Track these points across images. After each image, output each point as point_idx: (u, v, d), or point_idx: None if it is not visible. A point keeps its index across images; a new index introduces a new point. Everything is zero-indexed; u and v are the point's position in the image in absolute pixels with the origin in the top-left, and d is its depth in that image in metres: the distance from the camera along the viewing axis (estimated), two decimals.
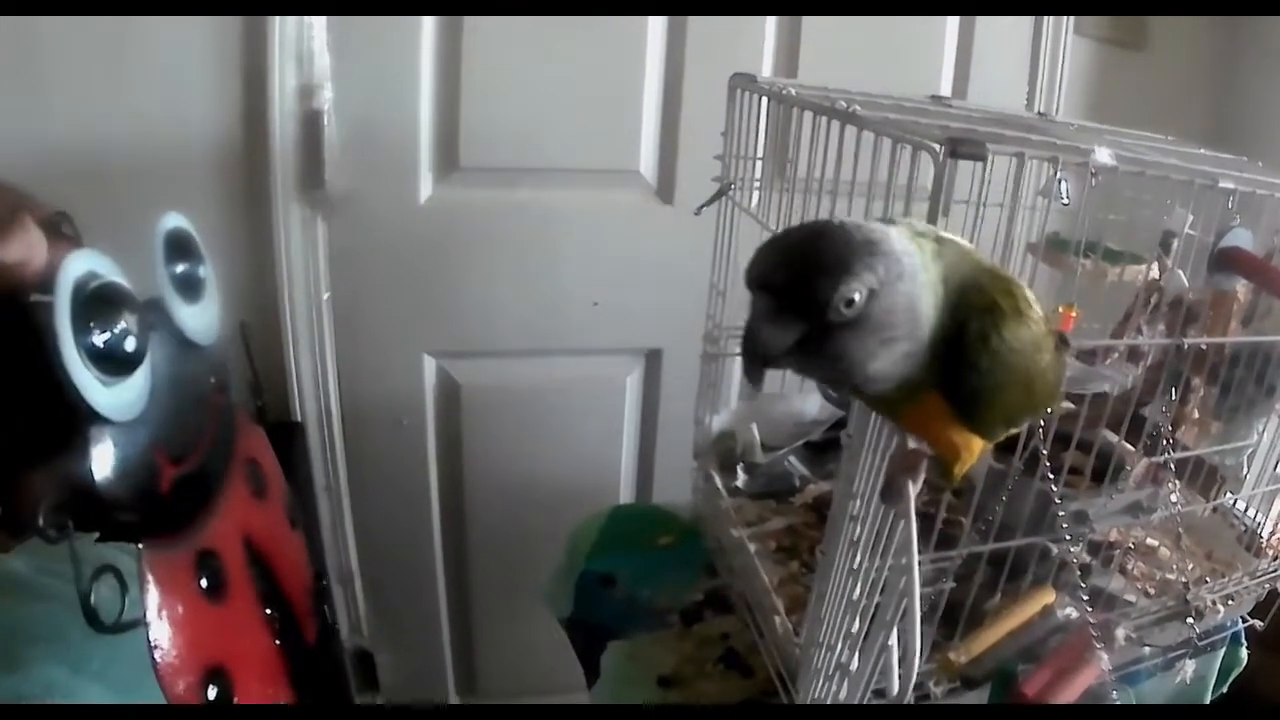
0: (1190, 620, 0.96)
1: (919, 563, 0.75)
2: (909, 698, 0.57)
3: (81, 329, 0.69)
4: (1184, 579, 0.99)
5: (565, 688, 1.21)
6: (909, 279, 0.58)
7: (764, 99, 1.05)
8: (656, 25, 1.54)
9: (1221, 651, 1.10)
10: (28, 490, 0.71)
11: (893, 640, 0.59)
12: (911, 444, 0.68)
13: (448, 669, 1.99)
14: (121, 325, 0.74)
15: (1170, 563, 1.04)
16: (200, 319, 0.93)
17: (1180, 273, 1.05)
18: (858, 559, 0.68)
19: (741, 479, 1.25)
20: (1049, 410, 0.76)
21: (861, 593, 0.66)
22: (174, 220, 0.93)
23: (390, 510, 1.78)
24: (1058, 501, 0.83)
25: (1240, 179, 0.89)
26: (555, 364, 1.74)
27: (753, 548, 1.09)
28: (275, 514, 1.05)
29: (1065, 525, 0.85)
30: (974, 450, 0.65)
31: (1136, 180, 0.85)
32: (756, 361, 0.58)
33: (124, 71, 1.36)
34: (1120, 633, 0.88)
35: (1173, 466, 0.90)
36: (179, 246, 0.93)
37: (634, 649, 1.11)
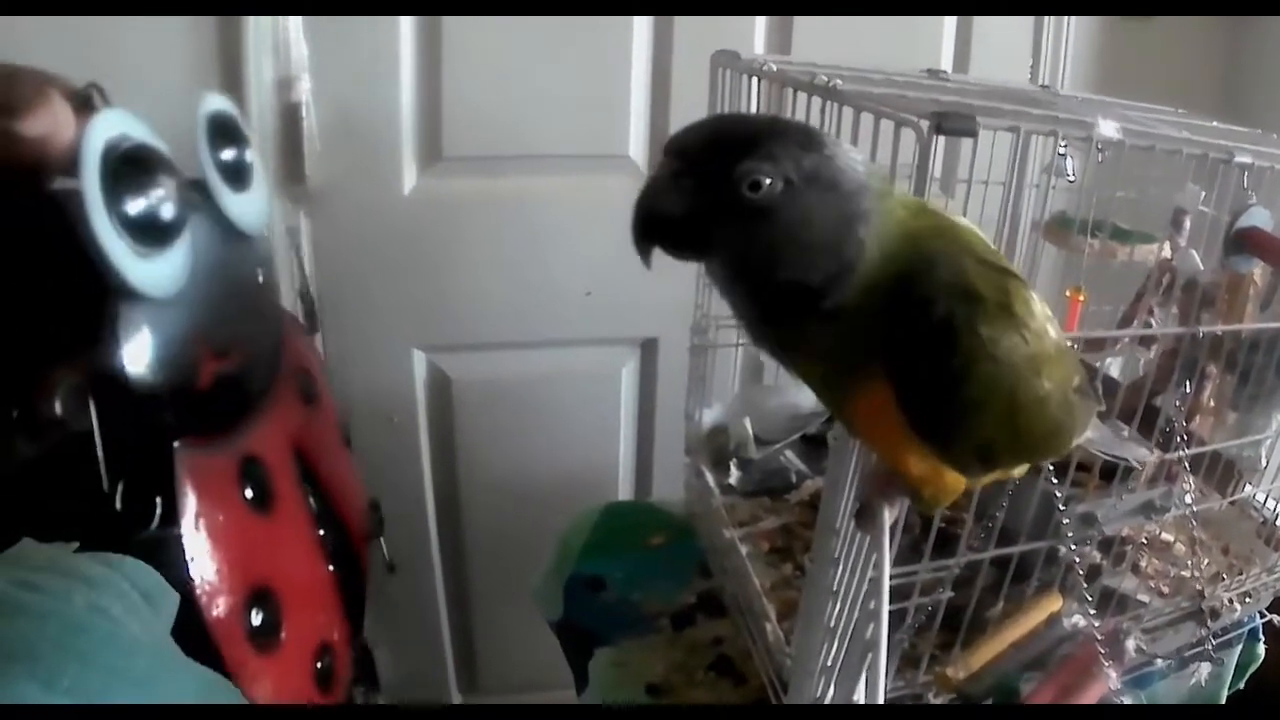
0: (1204, 631, 0.90)
1: (911, 573, 0.71)
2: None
3: (113, 195, 0.62)
4: (1199, 583, 0.93)
5: (568, 683, 1.17)
6: (847, 197, 0.51)
7: (749, 78, 1.00)
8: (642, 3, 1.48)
9: (1238, 649, 1.04)
10: (49, 386, 0.64)
11: (860, 692, 0.53)
12: None
13: (448, 666, 1.94)
14: (158, 191, 0.66)
15: (1185, 559, 0.99)
16: (247, 207, 0.85)
17: (1193, 252, 0.99)
18: (835, 578, 0.63)
19: (735, 476, 1.20)
20: (1050, 457, 0.68)
21: (837, 619, 0.61)
22: (216, 102, 0.85)
23: (385, 507, 1.73)
24: (1061, 509, 0.77)
25: (1257, 153, 0.83)
26: (548, 356, 1.69)
27: (744, 550, 1.04)
28: (327, 425, 0.97)
29: (1071, 533, 0.79)
30: (944, 480, 0.57)
31: (1145, 155, 0.79)
32: (644, 226, 0.53)
33: (95, 69, 1.31)
34: (1130, 644, 0.83)
35: (1187, 465, 0.84)
36: (223, 131, 0.85)
37: (622, 656, 1.06)
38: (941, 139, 0.64)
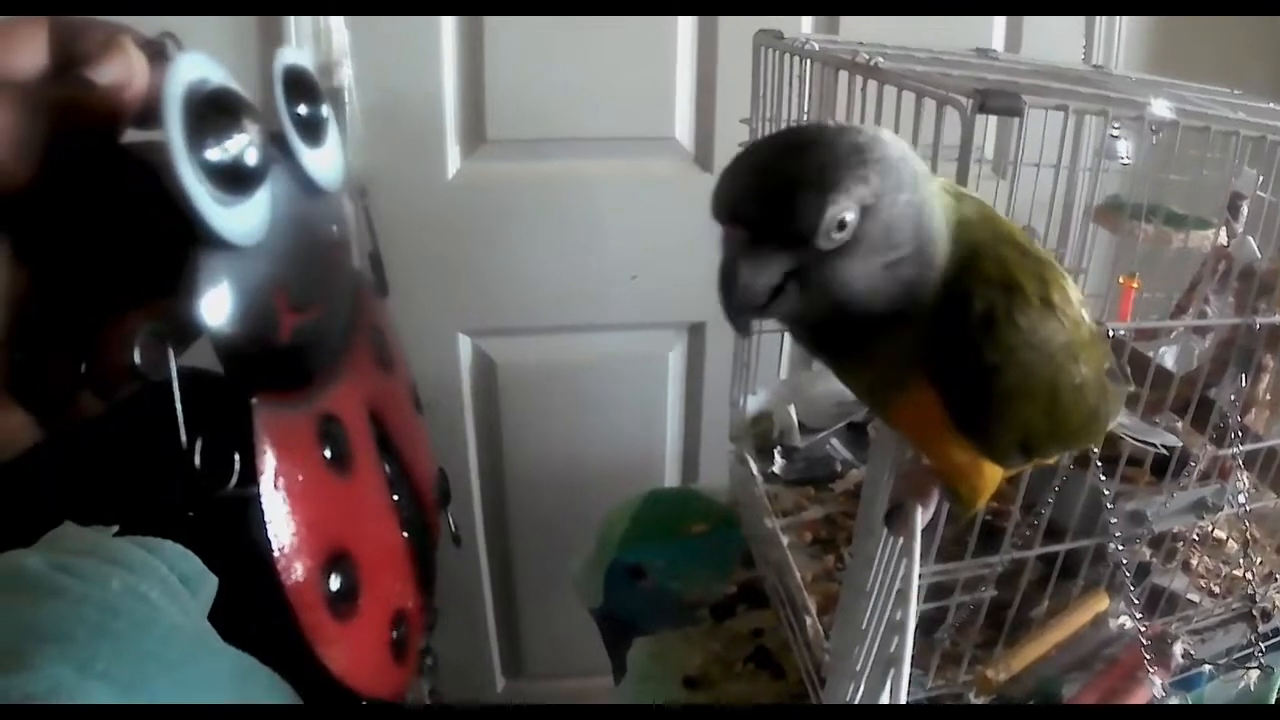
0: (1254, 635, 0.87)
1: (953, 570, 0.69)
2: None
3: (195, 140, 0.58)
4: (1251, 586, 0.90)
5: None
6: (910, 188, 0.48)
7: (792, 58, 0.98)
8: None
9: None
10: (125, 334, 0.60)
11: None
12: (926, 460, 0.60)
13: (493, 650, 1.95)
14: (242, 136, 0.62)
15: (1238, 557, 0.96)
16: (323, 162, 0.80)
17: (1250, 239, 0.96)
18: (870, 579, 0.61)
19: (779, 464, 1.18)
20: (1088, 446, 0.67)
21: (867, 622, 0.59)
22: (291, 56, 0.83)
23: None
24: (1109, 506, 0.74)
25: None
26: (594, 340, 1.68)
27: (786, 540, 1.02)
28: (401, 390, 0.96)
29: (1119, 532, 0.77)
30: (983, 474, 0.56)
31: (1201, 137, 0.77)
32: (736, 310, 0.49)
33: None
34: (1177, 649, 0.80)
35: (1240, 463, 0.81)
36: (298, 86, 0.79)
37: (660, 646, 1.05)
38: (990, 120, 0.62)
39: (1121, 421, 0.68)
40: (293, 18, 1.34)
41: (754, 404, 1.23)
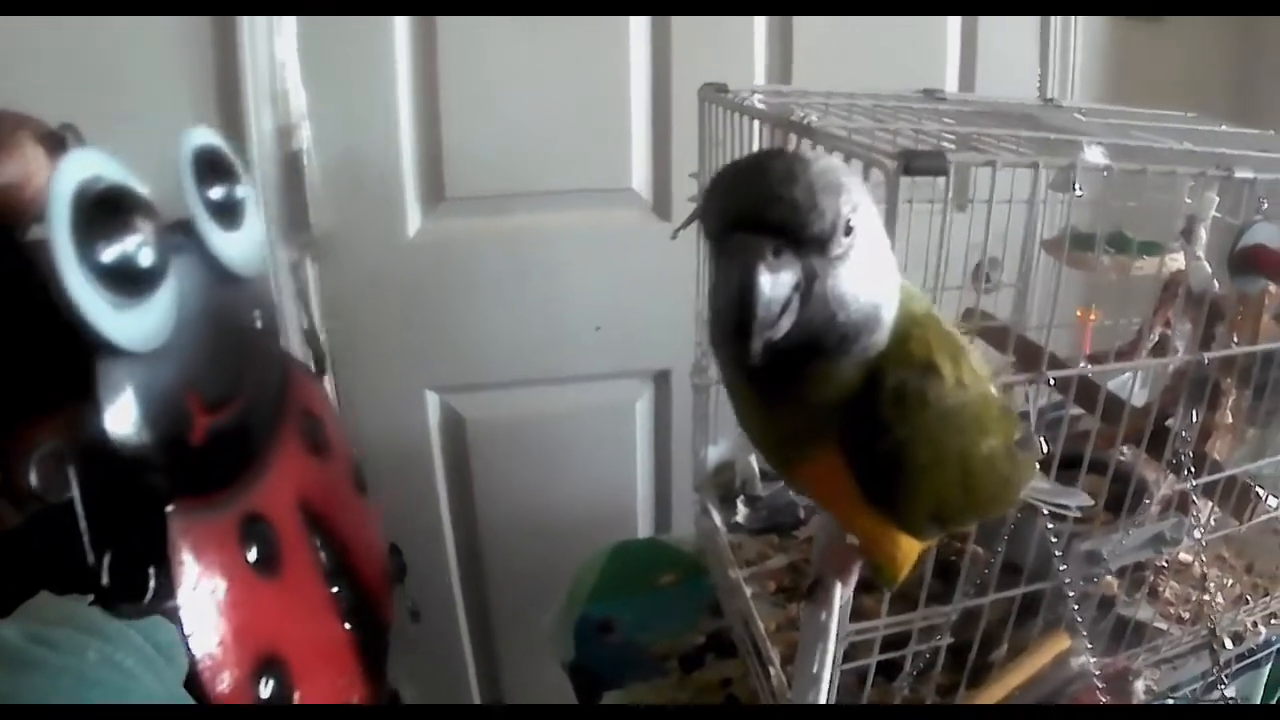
0: (1215, 667, 0.86)
1: (907, 621, 0.68)
2: None
3: (85, 241, 0.57)
4: (1211, 619, 0.88)
5: None
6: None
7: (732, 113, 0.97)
8: (639, 31, 1.47)
9: (1267, 668, 0.99)
10: (24, 455, 0.60)
11: None
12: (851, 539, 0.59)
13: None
14: (135, 235, 0.60)
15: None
16: (240, 247, 0.79)
17: (1204, 264, 0.95)
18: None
19: (742, 513, 1.17)
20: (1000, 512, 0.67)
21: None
22: (202, 136, 0.79)
23: (405, 551, 1.72)
24: (1058, 555, 0.73)
25: (1263, 161, 0.79)
26: (562, 392, 1.68)
27: (749, 590, 1.01)
28: (338, 474, 0.91)
29: (1074, 575, 0.76)
30: (899, 546, 0.55)
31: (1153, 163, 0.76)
32: (760, 326, 0.45)
33: (92, 120, 1.31)
34: (1139, 685, 0.79)
35: (1195, 499, 0.80)
36: (211, 166, 0.79)
37: (629, 699, 1.04)
38: None
39: (1036, 485, 0.67)
40: (250, 80, 1.34)
41: (715, 454, 1.22)
